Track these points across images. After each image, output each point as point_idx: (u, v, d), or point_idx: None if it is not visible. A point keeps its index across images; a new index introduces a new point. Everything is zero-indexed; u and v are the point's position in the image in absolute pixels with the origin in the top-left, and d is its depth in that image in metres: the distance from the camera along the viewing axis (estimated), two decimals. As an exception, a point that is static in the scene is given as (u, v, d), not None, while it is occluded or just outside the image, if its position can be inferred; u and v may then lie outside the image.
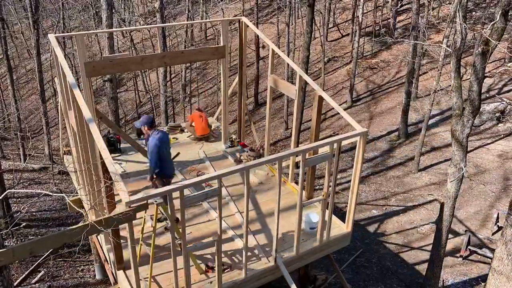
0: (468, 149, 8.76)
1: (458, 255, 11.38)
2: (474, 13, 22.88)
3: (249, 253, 6.85)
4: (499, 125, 16.72)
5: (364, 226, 12.97)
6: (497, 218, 11.97)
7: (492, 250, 10.60)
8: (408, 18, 24.72)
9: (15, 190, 11.01)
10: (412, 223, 12.93)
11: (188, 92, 24.27)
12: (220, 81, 12.92)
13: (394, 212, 13.50)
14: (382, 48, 23.47)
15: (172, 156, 7.80)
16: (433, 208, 13.22)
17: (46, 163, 16.50)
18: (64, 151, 10.21)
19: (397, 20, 25.46)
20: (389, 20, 25.63)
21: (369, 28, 25.59)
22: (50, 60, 22.69)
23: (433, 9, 23.49)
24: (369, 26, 25.58)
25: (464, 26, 7.68)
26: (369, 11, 26.34)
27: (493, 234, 11.80)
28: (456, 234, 12.06)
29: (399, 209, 13.59)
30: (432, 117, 16.82)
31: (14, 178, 13.81)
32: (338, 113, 7.58)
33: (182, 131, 11.38)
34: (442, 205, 8.68)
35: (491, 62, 19.45)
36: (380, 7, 26.97)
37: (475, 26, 16.67)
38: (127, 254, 6.02)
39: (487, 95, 17.75)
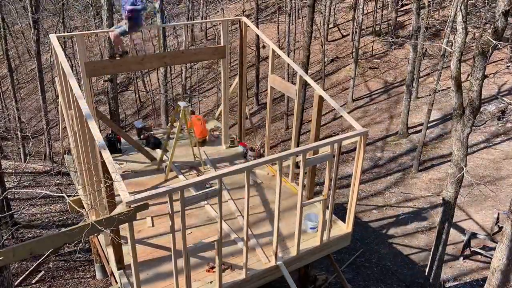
0: (469, 149, 8.76)
1: (458, 255, 11.37)
2: (478, 13, 22.84)
3: (249, 253, 6.83)
4: (500, 125, 16.71)
5: (364, 226, 12.97)
6: (497, 218, 11.96)
7: (492, 250, 10.59)
8: (409, 19, 24.70)
9: (15, 190, 10.98)
10: (413, 223, 12.92)
11: (188, 92, 24.27)
12: (220, 82, 12.91)
13: (395, 212, 13.50)
14: (391, 48, 23.41)
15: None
16: (433, 208, 13.22)
17: (46, 164, 16.51)
18: (65, 151, 10.22)
19: (400, 20, 25.41)
20: (389, 21, 25.62)
21: (375, 28, 25.57)
22: (50, 61, 22.69)
23: (439, 9, 23.49)
24: (370, 27, 25.56)
25: (464, 26, 7.67)
26: (370, 12, 26.32)
27: (493, 234, 11.79)
28: (457, 234, 12.05)
29: (399, 209, 13.59)
30: (432, 117, 16.82)
31: (15, 179, 13.80)
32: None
33: (182, 130, 11.37)
34: (442, 205, 8.68)
35: (491, 63, 19.45)
36: (383, 7, 26.93)
37: (484, 26, 16.64)
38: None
39: (488, 95, 17.75)
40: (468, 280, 10.63)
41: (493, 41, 7.00)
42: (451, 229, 9.22)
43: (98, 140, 5.59)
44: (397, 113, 18.55)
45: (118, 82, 27.51)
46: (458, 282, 10.59)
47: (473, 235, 11.38)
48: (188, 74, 25.52)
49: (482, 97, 7.75)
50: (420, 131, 15.85)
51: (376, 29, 25.22)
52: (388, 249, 11.96)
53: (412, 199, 13.95)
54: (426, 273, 9.58)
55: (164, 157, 9.92)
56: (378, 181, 15.11)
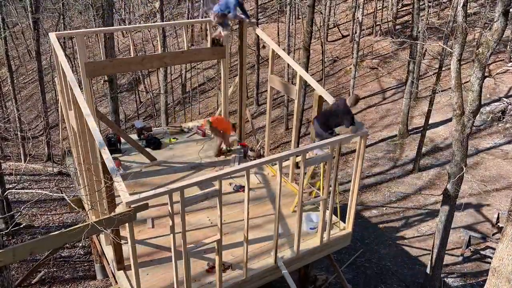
0: (469, 149, 8.75)
1: (458, 254, 11.37)
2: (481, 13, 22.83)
3: (249, 253, 6.83)
4: (500, 125, 16.71)
5: (364, 226, 12.96)
6: (498, 218, 11.96)
7: (493, 250, 10.59)
8: (409, 20, 24.69)
9: (15, 190, 10.99)
10: (412, 223, 12.92)
11: (188, 92, 24.27)
12: (220, 82, 12.92)
13: (394, 212, 13.49)
14: (391, 49, 23.40)
15: None
16: (433, 208, 13.21)
17: (46, 165, 16.51)
18: (65, 151, 10.22)
19: (405, 19, 25.38)
20: (389, 22, 25.61)
21: (375, 28, 25.56)
22: (50, 61, 22.69)
23: (440, 10, 23.49)
24: (370, 27, 25.55)
25: (465, 26, 7.67)
26: (371, 13, 26.31)
27: (493, 234, 11.79)
28: (457, 234, 12.05)
29: (399, 209, 13.58)
30: (432, 117, 16.82)
31: (15, 179, 13.80)
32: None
33: (182, 131, 11.38)
34: (442, 205, 8.67)
35: (492, 63, 19.45)
36: (382, 8, 26.93)
37: (485, 25, 16.65)
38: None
39: (488, 95, 17.74)
40: (468, 281, 10.63)
41: (493, 41, 7.00)
42: (451, 229, 9.22)
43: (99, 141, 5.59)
44: (398, 113, 18.55)
45: (124, 82, 27.57)
46: (458, 282, 10.59)
47: (473, 235, 11.38)
48: (191, 75, 25.54)
49: (482, 97, 7.75)
50: (420, 130, 15.85)
51: (377, 29, 25.21)
52: (388, 249, 11.95)
53: (412, 199, 13.94)
54: (426, 273, 9.58)
55: (164, 158, 9.93)
56: (378, 181, 15.11)
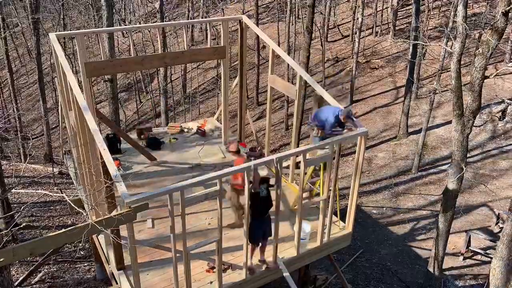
0: (469, 149, 8.75)
1: (459, 255, 11.37)
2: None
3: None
4: (500, 125, 16.71)
5: (364, 226, 12.96)
6: (498, 218, 11.96)
7: (493, 250, 10.60)
8: (406, 20, 24.67)
9: (15, 190, 10.98)
10: (413, 223, 12.92)
11: (189, 92, 24.26)
12: (220, 82, 12.92)
13: (395, 213, 13.49)
14: (394, 42, 23.38)
15: None
16: (433, 208, 13.21)
17: (47, 165, 16.50)
18: (65, 151, 10.22)
19: (408, 20, 25.39)
20: (389, 23, 25.62)
21: (375, 28, 25.56)
22: (51, 61, 22.68)
23: (440, 12, 23.49)
24: (370, 27, 25.55)
25: (465, 27, 7.67)
26: (370, 14, 26.32)
27: (494, 234, 11.78)
28: (457, 234, 12.04)
29: (399, 209, 13.58)
30: (432, 117, 16.81)
31: (15, 179, 13.79)
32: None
33: (182, 131, 11.37)
34: (442, 205, 8.67)
35: (492, 63, 19.44)
36: (383, 9, 26.93)
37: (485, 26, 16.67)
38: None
39: (488, 95, 17.73)
40: (468, 280, 10.62)
41: (493, 41, 7.00)
42: (452, 230, 9.22)
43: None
44: (396, 112, 18.55)
45: (127, 82, 27.59)
46: (458, 282, 10.59)
47: (474, 236, 11.37)
48: (191, 76, 25.54)
49: (482, 97, 7.75)
50: (420, 130, 15.85)
51: (377, 30, 25.20)
52: (388, 249, 11.95)
53: (412, 199, 13.94)
54: (426, 273, 9.57)
55: (165, 158, 9.94)
56: (378, 182, 15.10)
